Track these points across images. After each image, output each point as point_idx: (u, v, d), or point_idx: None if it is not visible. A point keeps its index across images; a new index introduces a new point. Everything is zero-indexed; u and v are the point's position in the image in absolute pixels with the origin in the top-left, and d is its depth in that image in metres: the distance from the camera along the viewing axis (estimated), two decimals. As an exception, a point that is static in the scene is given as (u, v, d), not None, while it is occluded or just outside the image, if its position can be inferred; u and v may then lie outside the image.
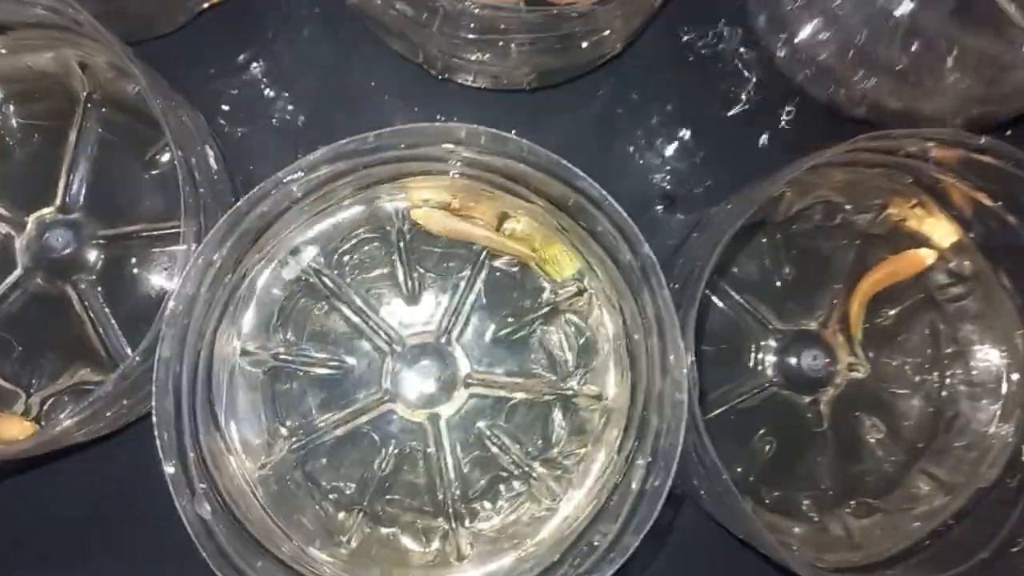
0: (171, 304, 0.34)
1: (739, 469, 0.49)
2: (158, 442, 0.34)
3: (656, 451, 0.38)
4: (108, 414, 0.38)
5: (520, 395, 0.47)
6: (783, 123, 0.53)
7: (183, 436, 0.36)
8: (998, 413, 0.48)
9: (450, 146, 0.40)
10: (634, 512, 0.37)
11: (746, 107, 0.53)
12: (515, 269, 0.48)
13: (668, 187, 0.53)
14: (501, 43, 0.41)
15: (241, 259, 0.40)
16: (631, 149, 0.53)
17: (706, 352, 0.50)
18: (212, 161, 0.41)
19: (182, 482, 0.35)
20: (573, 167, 0.37)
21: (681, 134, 0.53)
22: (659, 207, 0.52)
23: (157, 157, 0.47)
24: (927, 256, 0.48)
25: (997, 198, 0.44)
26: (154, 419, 0.34)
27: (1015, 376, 0.47)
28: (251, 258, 0.42)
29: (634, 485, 0.38)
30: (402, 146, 0.37)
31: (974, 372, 0.49)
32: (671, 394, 0.38)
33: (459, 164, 0.43)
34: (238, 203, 0.35)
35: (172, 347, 0.35)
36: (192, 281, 0.35)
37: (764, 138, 0.53)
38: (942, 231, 0.48)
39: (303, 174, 0.36)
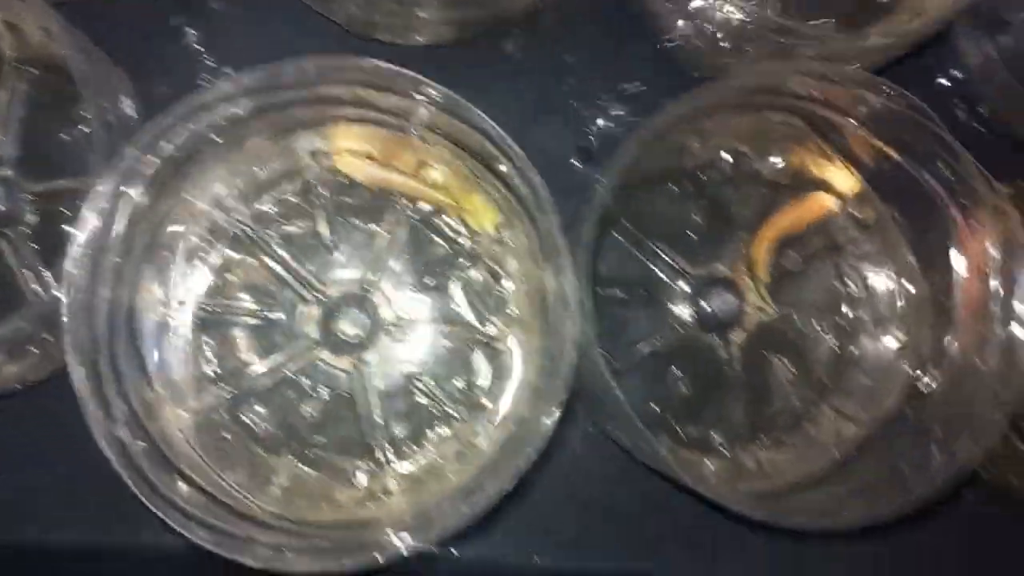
0: (78, 236, 0.36)
1: (655, 408, 0.51)
2: (69, 363, 0.36)
3: (555, 377, 0.40)
4: (33, 349, 0.39)
5: (443, 341, 0.49)
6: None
7: (98, 363, 0.37)
8: (897, 348, 0.50)
9: (363, 89, 0.42)
10: (531, 437, 0.39)
11: (668, 60, 0.56)
12: (435, 218, 0.49)
13: (586, 141, 0.55)
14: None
15: (158, 200, 0.41)
16: (549, 103, 0.54)
17: (622, 298, 0.52)
18: (129, 110, 0.43)
19: (98, 406, 0.36)
20: (474, 108, 0.39)
21: (599, 87, 0.55)
22: (576, 161, 0.54)
23: (85, 115, 0.48)
24: (826, 202, 0.51)
25: (881, 136, 0.46)
26: (65, 346, 0.36)
27: (912, 313, 0.50)
28: (170, 204, 0.43)
29: (537, 415, 0.40)
30: (304, 80, 0.39)
31: (875, 310, 0.51)
32: (569, 325, 0.40)
33: (375, 110, 0.44)
34: (141, 130, 0.37)
35: (84, 280, 0.37)
36: (97, 212, 0.37)
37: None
38: (840, 177, 0.51)
39: (212, 97, 0.38)
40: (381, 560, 0.36)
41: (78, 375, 0.36)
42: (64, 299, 0.37)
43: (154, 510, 0.35)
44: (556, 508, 0.52)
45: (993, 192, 0.44)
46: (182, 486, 0.39)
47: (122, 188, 0.38)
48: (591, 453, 0.52)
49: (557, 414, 0.37)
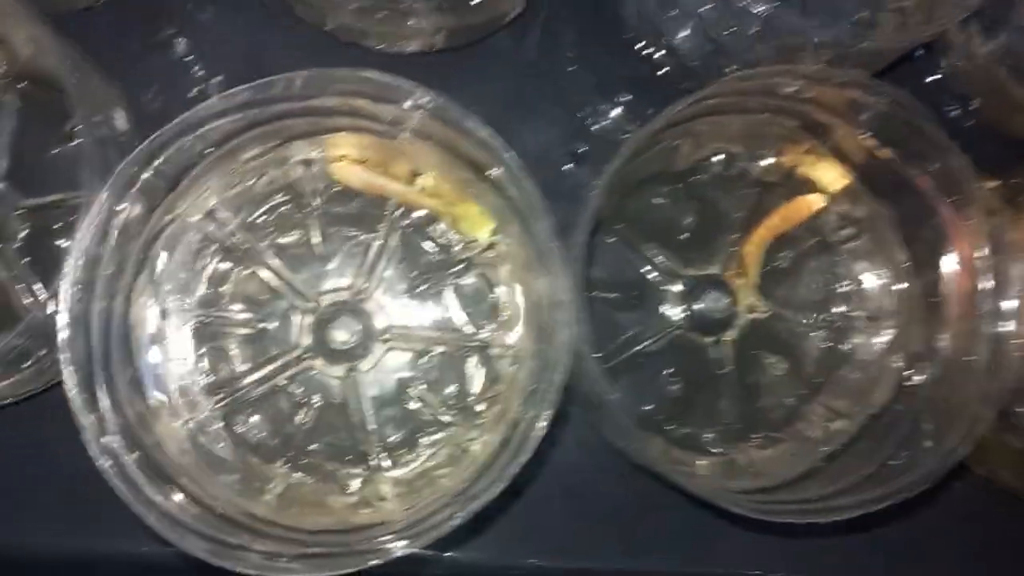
0: (74, 251, 0.36)
1: (648, 408, 0.51)
2: (65, 378, 0.36)
3: (549, 382, 0.40)
4: (25, 366, 0.39)
5: (437, 347, 0.50)
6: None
7: (94, 376, 0.38)
8: (889, 344, 0.50)
9: (356, 100, 0.42)
10: (523, 439, 0.39)
11: (656, 63, 0.56)
12: (428, 226, 0.50)
13: (577, 144, 0.55)
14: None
15: (151, 213, 0.42)
16: (539, 107, 0.55)
17: (615, 300, 0.52)
18: (121, 123, 0.43)
19: (92, 420, 0.36)
20: (467, 112, 0.39)
21: (590, 92, 0.55)
22: (569, 164, 0.55)
23: (77, 129, 0.49)
24: (816, 201, 0.51)
25: (873, 135, 0.46)
26: (62, 361, 0.36)
27: (903, 310, 0.50)
28: (164, 217, 0.44)
29: (527, 415, 0.40)
30: (295, 94, 0.39)
31: (867, 307, 0.51)
32: (563, 330, 0.40)
33: (368, 119, 0.44)
34: (139, 146, 0.37)
35: (79, 294, 0.37)
36: (95, 228, 0.37)
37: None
38: (831, 175, 0.51)
39: (207, 114, 0.38)
40: (377, 563, 0.36)
41: (73, 390, 0.36)
42: (60, 314, 0.37)
43: (149, 522, 0.35)
44: (551, 510, 0.53)
45: (983, 190, 0.44)
46: (177, 496, 0.39)
47: (116, 206, 0.38)
48: (586, 455, 0.53)
49: (548, 417, 0.37)
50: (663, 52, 0.55)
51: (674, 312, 0.52)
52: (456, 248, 0.50)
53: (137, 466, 0.38)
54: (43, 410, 0.48)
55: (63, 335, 0.36)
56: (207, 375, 0.48)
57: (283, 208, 0.49)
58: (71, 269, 0.37)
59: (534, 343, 0.46)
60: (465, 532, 0.51)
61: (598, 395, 0.45)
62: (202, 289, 0.48)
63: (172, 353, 0.47)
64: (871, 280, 0.51)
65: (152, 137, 0.37)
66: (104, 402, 0.39)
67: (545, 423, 0.37)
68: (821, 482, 0.45)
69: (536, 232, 0.41)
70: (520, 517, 0.52)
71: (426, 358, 0.49)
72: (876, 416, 0.48)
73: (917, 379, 0.47)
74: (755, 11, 0.45)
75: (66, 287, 0.37)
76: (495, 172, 0.41)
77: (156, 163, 0.39)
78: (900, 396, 0.48)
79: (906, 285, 0.50)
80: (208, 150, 0.42)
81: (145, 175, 0.39)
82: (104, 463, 0.36)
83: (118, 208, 0.38)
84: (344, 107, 0.41)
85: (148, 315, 0.46)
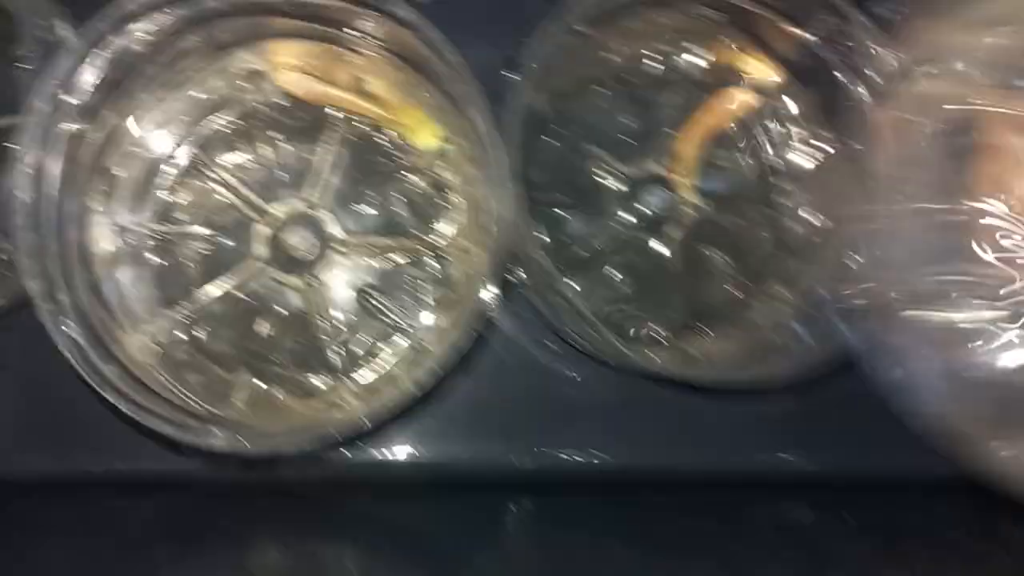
0: (21, 170, 0.37)
1: (604, 308, 0.53)
2: (30, 289, 0.37)
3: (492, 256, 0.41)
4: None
5: (391, 253, 0.51)
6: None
7: (56, 292, 0.39)
8: (825, 230, 0.52)
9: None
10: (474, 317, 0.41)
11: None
12: (376, 133, 0.51)
13: (515, 51, 0.56)
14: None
15: (96, 130, 0.42)
16: (476, 12, 0.55)
17: (559, 202, 0.53)
18: (68, 34, 0.43)
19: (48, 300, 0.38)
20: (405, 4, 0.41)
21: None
22: (506, 71, 0.56)
23: (23, 53, 0.49)
24: (750, 94, 0.53)
25: (798, 23, 0.48)
26: (25, 276, 0.37)
27: (836, 194, 0.52)
28: (110, 134, 0.44)
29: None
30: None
31: (803, 197, 0.53)
32: (502, 209, 0.41)
33: (310, 20, 0.45)
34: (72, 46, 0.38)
35: (34, 211, 0.38)
36: (39, 145, 0.38)
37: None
38: (763, 71, 0.53)
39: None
40: (338, 435, 0.37)
41: (39, 299, 0.37)
42: (16, 233, 0.38)
43: (111, 399, 0.36)
44: (521, 410, 0.53)
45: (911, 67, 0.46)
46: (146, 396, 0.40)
47: (57, 119, 0.39)
48: (546, 356, 0.54)
49: (494, 290, 0.39)
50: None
51: (618, 211, 0.53)
52: (404, 154, 0.51)
53: (106, 366, 0.39)
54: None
55: (21, 253, 0.37)
56: (167, 289, 0.49)
57: (230, 121, 0.50)
58: (20, 187, 0.38)
59: (484, 243, 0.48)
60: (440, 435, 0.53)
61: (553, 291, 0.46)
62: (156, 206, 0.49)
63: (131, 270, 0.48)
64: (805, 169, 0.53)
65: (86, 27, 0.38)
66: (70, 313, 0.40)
67: (491, 294, 0.39)
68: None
69: (476, 123, 0.42)
70: (492, 417, 0.53)
71: (381, 264, 0.51)
72: (818, 301, 0.50)
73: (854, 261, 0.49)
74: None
75: (20, 200, 0.37)
76: (437, 66, 0.43)
77: (93, 72, 0.39)
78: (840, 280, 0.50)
79: (840, 171, 0.52)
80: (147, 64, 0.43)
81: (83, 83, 0.39)
82: (74, 360, 0.37)
83: (59, 106, 0.39)
84: (284, 5, 0.42)
85: (104, 233, 0.47)
